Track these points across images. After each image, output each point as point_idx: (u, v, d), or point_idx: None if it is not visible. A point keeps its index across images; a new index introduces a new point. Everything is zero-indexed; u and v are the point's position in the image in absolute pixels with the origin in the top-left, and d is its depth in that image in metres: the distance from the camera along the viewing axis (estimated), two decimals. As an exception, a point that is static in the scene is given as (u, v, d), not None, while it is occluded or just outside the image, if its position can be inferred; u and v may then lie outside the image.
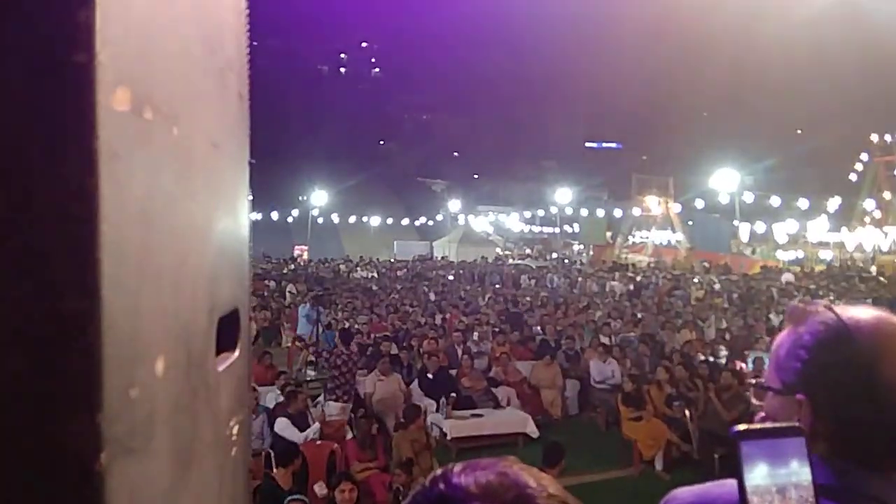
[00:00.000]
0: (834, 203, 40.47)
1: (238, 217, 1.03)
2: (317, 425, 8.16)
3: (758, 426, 0.93)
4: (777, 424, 1.00)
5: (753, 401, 1.21)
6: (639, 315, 16.39)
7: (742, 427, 0.90)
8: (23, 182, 0.50)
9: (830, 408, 1.10)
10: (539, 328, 14.71)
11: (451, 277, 28.39)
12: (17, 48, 0.50)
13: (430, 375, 10.43)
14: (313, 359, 11.87)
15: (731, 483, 1.24)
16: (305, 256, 38.73)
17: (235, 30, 1.04)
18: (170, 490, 0.67)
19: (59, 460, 0.51)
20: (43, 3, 0.50)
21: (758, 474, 0.86)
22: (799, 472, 0.86)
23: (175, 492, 0.68)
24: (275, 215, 46.61)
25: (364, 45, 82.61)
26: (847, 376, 1.09)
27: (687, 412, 9.19)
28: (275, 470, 6.93)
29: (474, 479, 0.71)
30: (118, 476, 0.54)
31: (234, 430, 1.00)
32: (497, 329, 14.02)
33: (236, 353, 1.01)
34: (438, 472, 0.75)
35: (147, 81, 0.62)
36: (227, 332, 0.95)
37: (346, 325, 14.59)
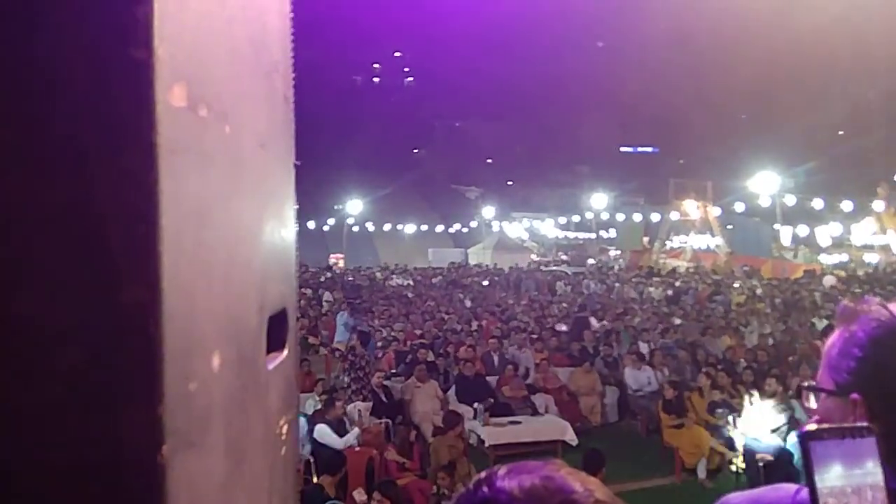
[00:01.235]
0: (879, 205, 39.39)
1: (285, 218, 1.04)
2: (356, 431, 8.21)
3: (827, 426, 0.91)
4: (847, 425, 0.97)
5: (804, 404, 1.18)
6: (678, 321, 16.13)
7: (811, 427, 0.88)
8: (85, 176, 0.51)
9: (887, 407, 1.06)
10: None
11: (486, 283, 28.32)
12: (77, 44, 0.51)
13: (466, 382, 10.42)
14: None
15: (787, 487, 1.21)
16: (341, 264, 39.03)
17: (281, 33, 1.06)
18: (225, 484, 0.68)
19: (122, 452, 0.52)
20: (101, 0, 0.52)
21: (831, 475, 0.83)
22: (874, 472, 0.83)
23: (230, 486, 0.69)
24: (311, 224, 47.10)
25: (397, 54, 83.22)
26: None
27: (730, 419, 9.00)
28: (319, 477, 7.00)
29: (518, 482, 0.70)
30: (179, 468, 0.55)
31: (284, 430, 1.01)
32: (535, 336, 13.94)
33: (285, 353, 1.01)
34: (483, 474, 0.74)
35: (201, 79, 0.62)
36: (276, 332, 0.95)
37: (383, 332, 14.66)
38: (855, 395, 1.12)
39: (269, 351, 0.91)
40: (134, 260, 0.52)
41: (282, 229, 1.02)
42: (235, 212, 0.76)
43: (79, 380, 0.52)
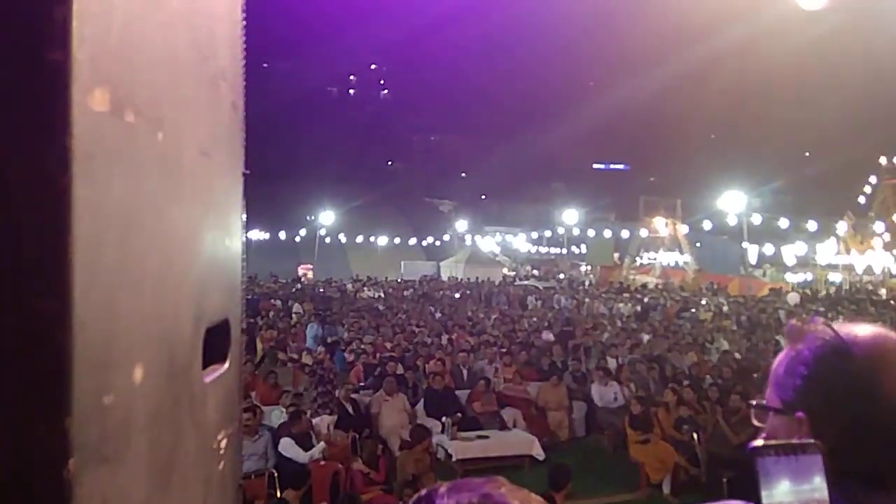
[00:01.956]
0: (842, 225, 40.29)
1: (230, 227, 1.02)
2: (322, 445, 8.11)
3: (774, 442, 0.91)
4: (794, 441, 0.98)
5: (755, 422, 1.19)
6: (646, 337, 16.27)
7: (759, 443, 0.88)
8: (-6, 179, 0.49)
9: (830, 425, 1.07)
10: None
11: (457, 296, 28.31)
12: (-8, 44, 0.50)
13: (435, 396, 10.36)
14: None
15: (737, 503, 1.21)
16: (310, 276, 38.69)
17: (230, 40, 1.04)
18: (148, 500, 0.66)
19: (27, 465, 0.50)
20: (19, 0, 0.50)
21: (777, 491, 0.84)
22: (821, 488, 0.84)
23: (153, 502, 0.67)
24: (282, 235, 46.74)
25: (373, 67, 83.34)
26: (846, 392, 1.07)
27: (695, 435, 9.08)
28: (283, 492, 6.90)
29: (456, 500, 0.70)
30: (89, 484, 0.53)
31: (223, 444, 0.98)
32: (504, 350, 13.93)
33: (226, 365, 0.99)
34: (423, 492, 0.75)
35: (130, 83, 0.61)
36: (216, 344, 0.93)
37: (353, 345, 14.54)
38: (800, 414, 1.13)
39: (208, 363, 0.89)
40: (44, 268, 0.50)
41: (226, 239, 1.00)
42: (170, 220, 0.74)
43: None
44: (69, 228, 0.50)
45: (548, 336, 15.98)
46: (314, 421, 8.79)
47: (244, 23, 1.13)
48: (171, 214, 0.74)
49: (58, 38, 0.50)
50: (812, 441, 0.95)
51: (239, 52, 1.09)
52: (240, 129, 1.09)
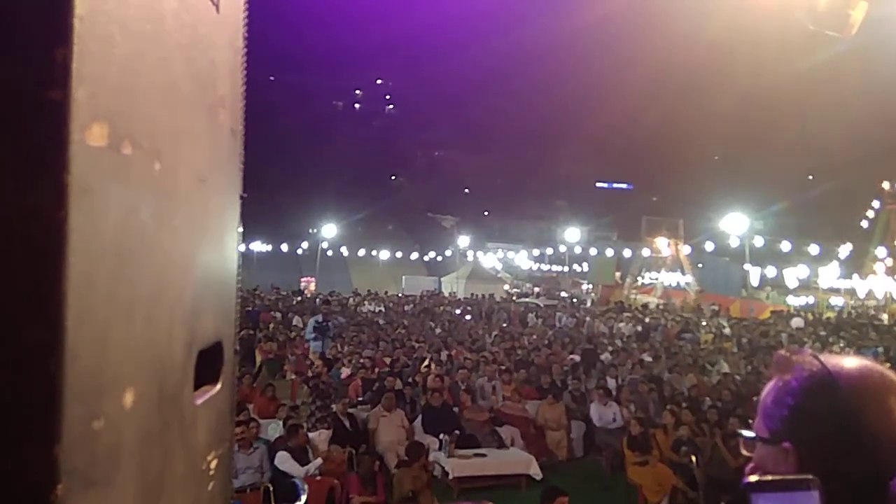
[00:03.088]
0: (845, 249, 40.25)
1: (225, 251, 1.04)
2: (318, 461, 8.08)
3: (770, 478, 0.91)
4: (790, 476, 0.98)
5: (743, 451, 1.20)
6: (648, 358, 16.23)
7: (754, 478, 0.88)
8: (-8, 213, 0.51)
9: (816, 456, 1.08)
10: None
11: (458, 312, 28.29)
12: (-6, 83, 0.52)
13: (433, 412, 10.33)
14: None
15: None
16: (312, 287, 38.67)
17: (230, 68, 1.06)
18: (134, 524, 0.67)
19: (14, 490, 0.51)
20: (20, 39, 0.52)
21: None
22: None
23: (139, 526, 0.68)
24: (285, 247, 46.83)
25: (379, 82, 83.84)
26: (831, 424, 1.08)
27: (693, 458, 9.03)
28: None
29: None
30: (75, 509, 0.54)
31: (213, 465, 1.00)
32: (503, 367, 13.90)
33: (218, 387, 1.00)
34: None
35: (128, 117, 0.63)
36: (208, 366, 0.95)
37: (352, 359, 14.51)
38: (786, 444, 1.13)
39: (199, 385, 0.91)
40: (38, 299, 0.52)
41: (221, 262, 1.01)
42: (164, 248, 0.75)
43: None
44: (64, 261, 0.52)
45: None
46: (311, 435, 8.77)
47: (245, 49, 1.16)
48: (165, 242, 0.75)
49: (58, 77, 0.52)
50: (810, 476, 0.95)
51: (239, 80, 1.11)
52: (238, 153, 1.11)
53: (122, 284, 0.63)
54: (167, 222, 0.75)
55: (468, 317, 27.51)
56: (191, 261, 0.84)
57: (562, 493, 6.28)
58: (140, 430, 0.67)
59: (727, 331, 23.25)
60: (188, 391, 0.84)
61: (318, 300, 26.36)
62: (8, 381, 0.51)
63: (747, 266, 38.94)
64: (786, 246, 40.14)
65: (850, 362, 1.15)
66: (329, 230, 47.53)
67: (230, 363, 1.07)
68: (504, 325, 24.90)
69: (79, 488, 0.55)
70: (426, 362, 13.98)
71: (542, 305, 31.58)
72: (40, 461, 0.51)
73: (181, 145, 0.80)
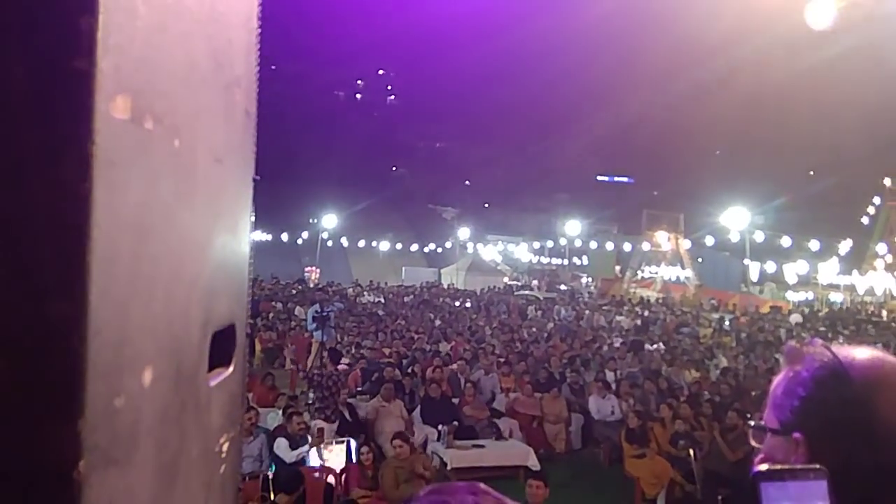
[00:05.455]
0: (845, 246, 40.27)
1: (239, 233, 1.03)
2: (307, 445, 8.08)
3: (779, 467, 0.91)
4: (799, 466, 0.98)
5: (752, 442, 1.19)
6: (648, 346, 16.31)
7: (763, 467, 0.88)
8: (17, 183, 0.50)
9: (827, 447, 1.08)
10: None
11: (457, 303, 28.31)
12: (19, 52, 0.51)
13: (432, 403, 10.35)
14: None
15: None
16: (314, 277, 38.56)
17: (246, 47, 1.05)
18: (153, 502, 0.66)
19: (37, 466, 0.51)
20: (46, 8, 0.51)
21: None
22: None
23: (157, 505, 0.68)
24: (284, 237, 46.77)
25: (381, 72, 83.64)
26: (842, 414, 1.07)
27: (691, 451, 9.06)
28: (275, 496, 6.88)
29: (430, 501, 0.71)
30: (97, 486, 0.53)
31: (224, 448, 0.99)
32: (502, 359, 13.92)
33: (230, 369, 1.00)
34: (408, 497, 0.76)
35: (149, 92, 0.62)
36: (221, 348, 0.94)
37: (352, 350, 14.53)
38: (797, 435, 1.13)
39: (212, 367, 0.90)
40: (63, 272, 0.51)
41: (235, 244, 1.00)
42: (183, 226, 0.75)
43: (1, 391, 0.51)
44: (87, 234, 0.51)
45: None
46: (311, 424, 8.78)
47: (259, 31, 1.15)
48: (183, 220, 0.75)
49: (83, 47, 0.51)
50: (818, 466, 0.95)
51: (254, 60, 1.10)
52: (252, 135, 1.10)
53: (144, 261, 0.62)
54: (186, 200, 0.74)
55: (468, 304, 27.55)
56: (207, 241, 0.84)
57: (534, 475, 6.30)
58: (158, 409, 0.67)
59: (726, 325, 23.29)
60: (203, 372, 0.84)
61: (316, 290, 26.38)
62: (31, 356, 0.51)
63: (747, 261, 38.96)
64: (786, 241, 40.13)
65: (862, 353, 1.14)
66: (329, 220, 47.43)
67: (242, 346, 1.06)
68: (503, 317, 24.93)
69: (100, 466, 0.54)
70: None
71: (541, 298, 31.61)
72: (63, 437, 0.51)
73: (199, 123, 0.79)
